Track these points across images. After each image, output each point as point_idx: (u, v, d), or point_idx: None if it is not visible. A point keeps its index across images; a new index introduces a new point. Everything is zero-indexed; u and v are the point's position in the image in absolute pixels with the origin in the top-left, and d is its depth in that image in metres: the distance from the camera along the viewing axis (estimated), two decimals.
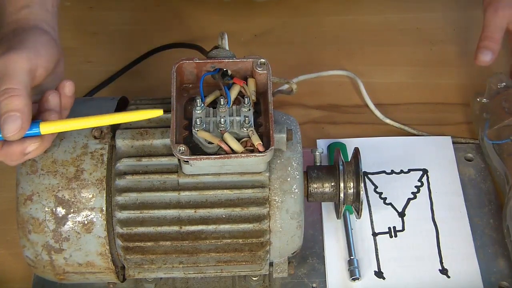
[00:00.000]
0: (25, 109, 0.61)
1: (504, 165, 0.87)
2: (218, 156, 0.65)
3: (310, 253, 0.85)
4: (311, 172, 0.74)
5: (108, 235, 0.69)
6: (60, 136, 0.70)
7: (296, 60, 1.03)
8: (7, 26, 0.69)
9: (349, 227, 0.85)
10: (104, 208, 0.68)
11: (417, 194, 0.89)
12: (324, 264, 0.84)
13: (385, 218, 0.87)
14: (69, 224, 0.68)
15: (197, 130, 0.66)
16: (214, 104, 0.69)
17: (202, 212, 0.69)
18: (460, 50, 1.05)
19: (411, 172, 0.91)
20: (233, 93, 0.70)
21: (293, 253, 0.74)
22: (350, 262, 0.83)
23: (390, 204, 0.88)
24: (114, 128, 0.71)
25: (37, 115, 0.64)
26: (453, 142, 0.94)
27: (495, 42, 0.87)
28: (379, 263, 0.84)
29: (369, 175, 0.91)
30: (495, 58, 0.88)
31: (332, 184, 0.74)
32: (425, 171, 0.91)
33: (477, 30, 1.06)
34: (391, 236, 0.86)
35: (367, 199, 0.89)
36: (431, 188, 0.90)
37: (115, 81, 1.01)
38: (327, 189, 0.74)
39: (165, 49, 1.03)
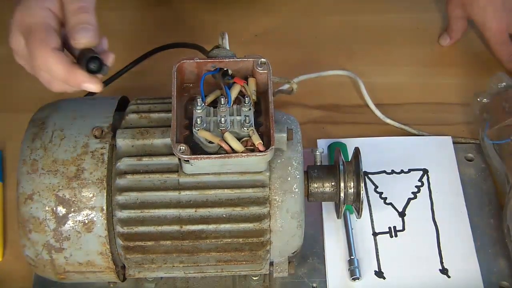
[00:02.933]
0: (96, 25, 0.69)
1: (504, 165, 0.87)
2: (218, 156, 0.65)
3: (311, 252, 0.85)
4: (311, 172, 0.74)
5: (109, 234, 0.69)
6: (61, 136, 0.70)
7: (297, 60, 1.03)
8: None
9: (350, 226, 0.85)
10: (105, 208, 0.68)
11: (417, 194, 0.89)
12: (325, 264, 0.84)
13: (386, 218, 0.87)
14: (70, 223, 0.68)
15: (198, 130, 0.66)
16: (214, 104, 0.69)
17: (202, 211, 0.69)
18: (460, 50, 1.05)
19: (411, 172, 0.91)
20: (234, 92, 0.70)
21: (294, 252, 0.74)
22: (351, 262, 0.83)
23: (391, 204, 0.88)
24: (114, 127, 0.71)
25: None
26: (454, 142, 0.94)
27: (453, 31, 1.04)
28: (379, 263, 0.84)
29: (369, 175, 0.91)
30: (453, 42, 1.05)
31: (333, 183, 0.74)
32: (425, 171, 0.91)
33: (477, 30, 1.06)
34: (391, 236, 0.86)
35: (368, 199, 0.89)
36: (431, 188, 0.90)
37: (116, 81, 1.01)
38: (327, 189, 0.74)
39: (165, 49, 1.03)
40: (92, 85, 0.68)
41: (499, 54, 1.01)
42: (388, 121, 0.96)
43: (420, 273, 0.83)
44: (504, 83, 0.92)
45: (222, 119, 0.67)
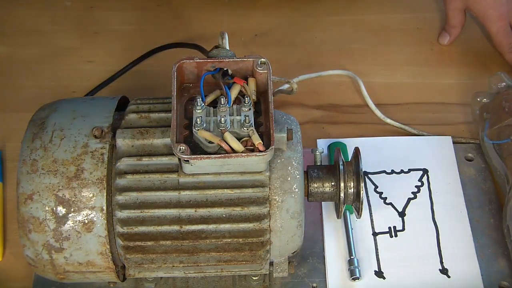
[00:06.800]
0: None
1: (504, 165, 0.87)
2: (218, 156, 0.65)
3: (310, 252, 0.85)
4: (311, 172, 0.74)
5: (109, 234, 0.69)
6: (61, 136, 0.70)
7: (296, 60, 1.04)
8: None
9: (349, 226, 0.85)
10: (105, 207, 0.68)
11: (417, 194, 0.89)
12: (324, 264, 0.84)
13: (385, 217, 0.87)
14: (70, 223, 0.68)
15: (198, 130, 0.66)
16: (214, 104, 0.69)
17: (202, 211, 0.69)
18: (460, 50, 1.05)
19: (411, 172, 0.91)
20: (234, 92, 0.70)
21: (293, 252, 0.74)
22: (350, 262, 0.83)
23: (390, 204, 0.88)
24: (114, 127, 0.71)
25: None
26: (453, 142, 0.94)
27: (452, 27, 1.04)
28: (379, 262, 0.84)
29: (369, 175, 0.91)
30: (454, 39, 1.05)
31: (333, 183, 0.74)
32: (425, 171, 0.91)
33: (477, 30, 1.06)
34: (391, 236, 0.86)
35: (367, 199, 0.89)
36: (431, 188, 0.90)
37: (116, 81, 1.01)
38: (327, 189, 0.74)
39: (165, 49, 1.03)
40: None
41: (499, 44, 1.01)
42: (388, 121, 0.96)
43: (420, 273, 0.83)
44: (504, 83, 0.92)
45: (222, 119, 0.67)
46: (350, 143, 0.92)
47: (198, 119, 0.67)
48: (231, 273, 0.75)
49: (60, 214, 0.68)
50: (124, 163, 0.69)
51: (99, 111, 0.73)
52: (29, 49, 1.06)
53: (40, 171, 0.69)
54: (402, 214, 0.88)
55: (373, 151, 0.92)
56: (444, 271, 0.83)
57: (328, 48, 1.06)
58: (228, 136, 0.66)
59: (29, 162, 0.69)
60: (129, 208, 0.69)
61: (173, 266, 0.72)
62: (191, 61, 0.70)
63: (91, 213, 0.68)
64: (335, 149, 0.77)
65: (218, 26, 1.03)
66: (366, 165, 0.89)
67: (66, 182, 0.68)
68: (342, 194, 0.73)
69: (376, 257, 0.84)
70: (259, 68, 0.70)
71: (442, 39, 1.05)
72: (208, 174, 0.69)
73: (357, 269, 0.82)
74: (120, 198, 0.69)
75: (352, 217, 0.86)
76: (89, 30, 1.08)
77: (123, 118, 0.72)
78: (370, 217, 0.87)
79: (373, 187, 0.90)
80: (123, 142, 0.70)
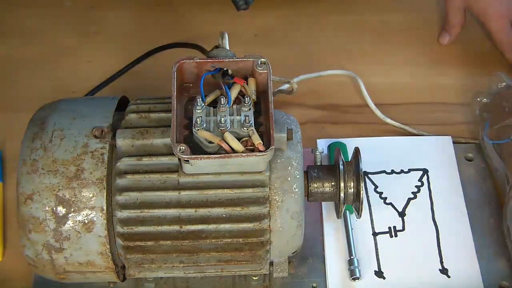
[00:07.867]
0: None
1: (504, 165, 0.87)
2: (218, 156, 0.65)
3: (310, 252, 0.85)
4: (311, 172, 0.74)
5: (109, 234, 0.69)
6: (61, 136, 0.70)
7: (297, 60, 1.04)
8: None
9: (349, 226, 0.85)
10: (105, 208, 0.68)
11: (417, 194, 0.89)
12: (324, 264, 0.84)
13: (385, 217, 0.87)
14: (70, 223, 0.68)
15: (198, 130, 0.66)
16: (214, 104, 0.69)
17: (202, 211, 0.69)
18: (460, 50, 1.05)
19: (411, 172, 0.91)
20: (234, 92, 0.70)
21: (293, 252, 0.74)
22: (350, 262, 0.83)
23: (390, 204, 0.88)
24: (114, 127, 0.71)
25: None
26: (453, 142, 0.94)
27: (452, 26, 1.04)
28: (379, 262, 0.84)
29: (369, 175, 0.91)
30: (454, 38, 1.05)
31: (333, 183, 0.74)
32: (425, 171, 0.91)
33: (477, 30, 1.06)
34: (391, 236, 0.86)
35: (367, 199, 0.89)
36: (431, 188, 0.90)
37: (116, 81, 1.01)
38: (327, 189, 0.74)
39: (165, 49, 1.03)
40: None
41: (500, 42, 1.01)
42: (388, 121, 0.96)
43: (420, 273, 0.83)
44: (504, 83, 0.92)
45: (222, 119, 0.67)
46: (350, 143, 0.92)
47: (198, 119, 0.67)
48: (231, 273, 0.75)
49: (60, 214, 0.68)
50: (124, 163, 0.69)
51: (99, 111, 0.73)
52: (29, 49, 1.06)
53: (40, 171, 0.68)
54: (402, 214, 0.88)
55: (373, 151, 0.92)
56: (444, 271, 0.83)
57: (328, 48, 1.06)
58: (228, 136, 0.66)
59: (29, 162, 0.69)
60: (129, 208, 0.69)
61: (173, 266, 0.72)
62: (191, 61, 0.70)
63: (91, 213, 0.68)
64: (335, 149, 0.77)
65: (218, 26, 1.03)
66: (366, 165, 0.88)
67: (66, 182, 0.68)
68: (342, 194, 0.73)
69: (376, 257, 0.84)
70: (259, 68, 0.70)
71: (442, 39, 1.05)
72: (208, 174, 0.69)
73: (357, 269, 0.82)
74: (120, 198, 0.69)
75: (352, 217, 0.86)
76: (89, 30, 1.08)
77: (123, 118, 0.72)
78: (370, 217, 0.87)
79: (373, 187, 0.90)
80: (123, 142, 0.70)
